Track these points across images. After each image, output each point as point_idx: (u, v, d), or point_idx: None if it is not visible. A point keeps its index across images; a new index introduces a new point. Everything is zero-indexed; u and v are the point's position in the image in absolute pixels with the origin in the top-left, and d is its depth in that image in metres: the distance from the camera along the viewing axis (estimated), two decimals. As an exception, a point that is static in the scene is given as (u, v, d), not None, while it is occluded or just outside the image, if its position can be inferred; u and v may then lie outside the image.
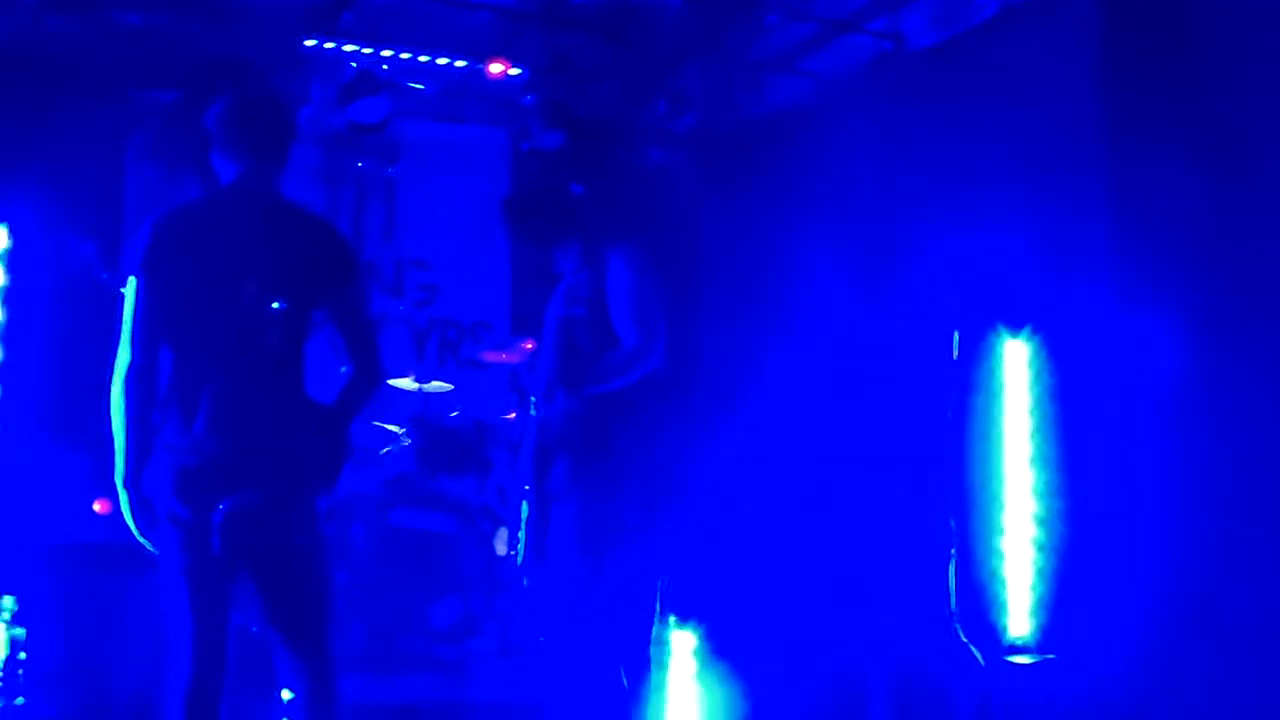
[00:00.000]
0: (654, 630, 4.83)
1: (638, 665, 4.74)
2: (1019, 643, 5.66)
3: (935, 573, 5.26)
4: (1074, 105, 5.72)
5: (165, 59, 7.56)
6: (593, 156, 5.94)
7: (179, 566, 4.00)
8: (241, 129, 4.21)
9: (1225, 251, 5.16)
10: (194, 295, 4.05)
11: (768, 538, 6.34)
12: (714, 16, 7.59)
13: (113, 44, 7.35)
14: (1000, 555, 5.77)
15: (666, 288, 4.80)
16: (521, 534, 4.75)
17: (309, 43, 7.90)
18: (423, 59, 8.24)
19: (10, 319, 6.07)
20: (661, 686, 5.29)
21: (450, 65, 8.29)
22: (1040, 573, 5.64)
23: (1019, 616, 5.70)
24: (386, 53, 8.15)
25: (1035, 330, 5.75)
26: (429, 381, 8.04)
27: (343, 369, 4.25)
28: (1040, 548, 5.67)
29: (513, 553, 4.81)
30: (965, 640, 5.46)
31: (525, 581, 4.76)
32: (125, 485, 3.98)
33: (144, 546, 4.06)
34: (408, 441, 7.62)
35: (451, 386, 8.14)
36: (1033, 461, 5.73)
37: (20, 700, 5.71)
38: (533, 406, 4.80)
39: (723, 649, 5.63)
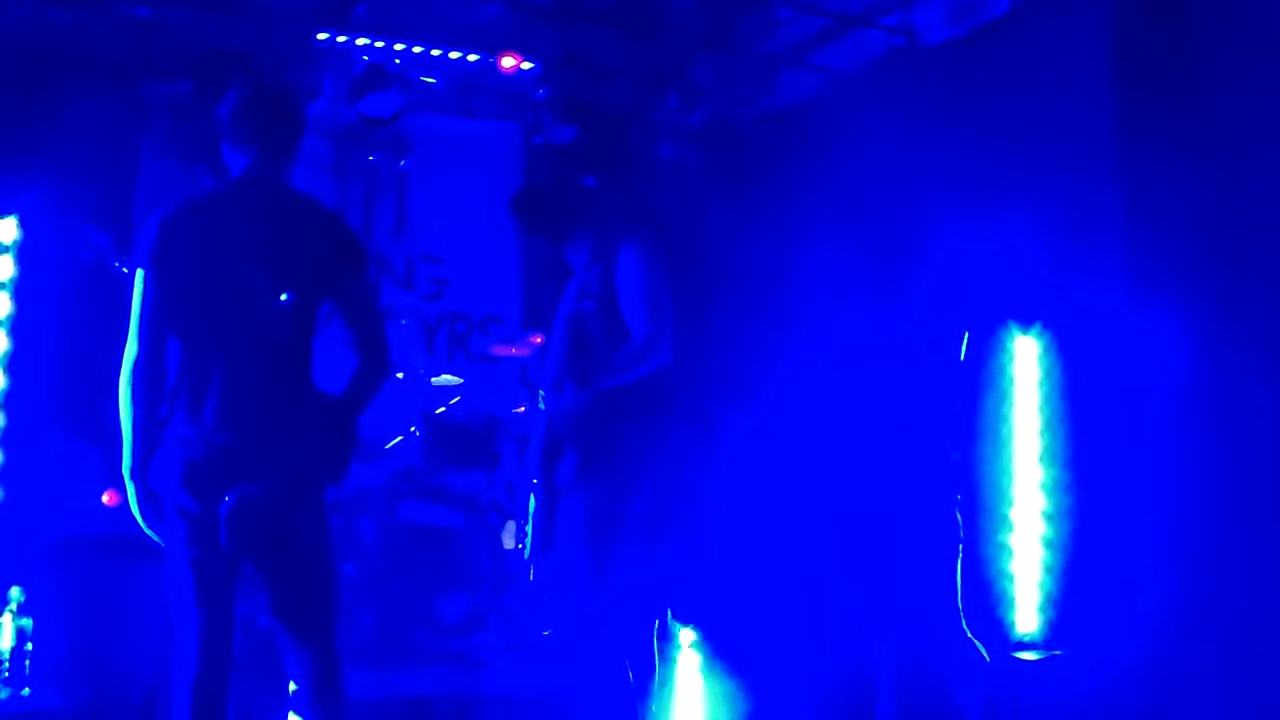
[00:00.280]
0: (661, 624, 4.83)
1: (644, 659, 4.73)
2: (1027, 639, 5.65)
3: (943, 569, 5.25)
4: (1086, 102, 5.71)
5: (176, 51, 7.56)
6: (605, 150, 5.94)
7: (185, 558, 4.00)
8: (251, 121, 4.21)
9: (1236, 248, 5.15)
10: (202, 287, 4.05)
11: (776, 533, 6.33)
12: (726, 11, 7.59)
13: (124, 36, 7.35)
14: (1009, 551, 5.77)
15: (676, 282, 4.79)
16: (529, 528, 4.75)
17: (321, 36, 7.91)
18: (434, 53, 8.24)
19: (19, 311, 6.08)
20: (668, 680, 5.29)
21: (462, 59, 8.29)
22: (1048, 569, 5.63)
23: (1027, 613, 5.69)
24: (398, 46, 8.15)
25: (1045, 326, 5.74)
26: (438, 375, 8.03)
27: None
28: (1049, 544, 5.66)
29: (521, 546, 4.81)
30: (972, 636, 5.45)
31: (532, 575, 4.76)
32: (132, 477, 3.98)
33: (151, 538, 4.06)
34: (416, 433, 7.61)
35: (461, 380, 8.13)
36: (1042, 458, 5.72)
37: (27, 691, 5.72)
38: (541, 400, 4.80)
39: (730, 644, 5.62)
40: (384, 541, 7.14)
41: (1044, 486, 5.76)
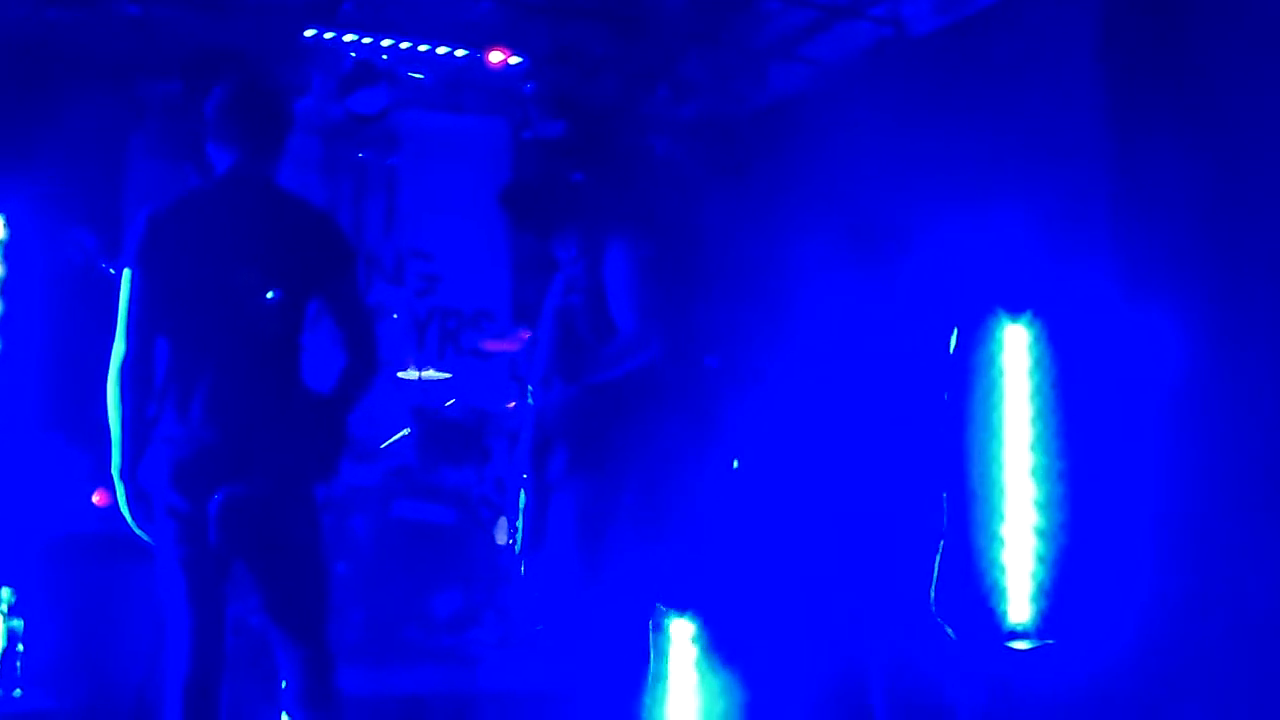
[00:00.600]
0: (654, 618, 4.82)
1: (638, 653, 4.73)
2: (1019, 629, 5.65)
3: (935, 560, 5.25)
4: (1075, 90, 5.71)
5: (165, 49, 7.55)
6: (593, 145, 5.92)
7: (176, 558, 3.99)
8: (236, 119, 4.20)
9: (1226, 236, 5.15)
10: (189, 286, 4.04)
11: (767, 526, 6.33)
12: (715, 4, 7.58)
13: (112, 34, 7.34)
14: (1000, 541, 5.77)
15: (665, 276, 4.78)
16: (520, 523, 4.74)
17: (308, 33, 7.89)
18: (422, 48, 8.23)
19: (8, 311, 6.07)
20: (662, 675, 5.29)
21: (450, 54, 8.28)
22: (1040, 559, 5.63)
23: (1019, 602, 5.69)
24: (386, 42, 8.14)
25: (1036, 315, 5.74)
26: (426, 370, 8.03)
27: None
28: (1041, 534, 5.66)
29: (512, 542, 4.81)
30: (950, 629, 5.45)
31: (523, 570, 4.75)
32: (122, 477, 3.98)
33: (141, 538, 4.06)
34: (407, 432, 7.61)
35: (449, 375, 8.13)
36: (1033, 446, 5.72)
37: (18, 692, 5.71)
38: (530, 395, 4.79)
39: (722, 639, 5.62)
40: (376, 538, 7.15)
41: (1035, 475, 5.76)
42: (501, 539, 7.23)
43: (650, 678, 4.81)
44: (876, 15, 6.99)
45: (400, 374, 7.94)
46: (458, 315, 9.04)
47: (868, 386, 5.81)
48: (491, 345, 8.25)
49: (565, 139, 7.34)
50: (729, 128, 7.86)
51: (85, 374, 4.41)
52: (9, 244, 6.13)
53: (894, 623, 5.46)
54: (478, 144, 9.05)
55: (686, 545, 4.92)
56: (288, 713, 4.09)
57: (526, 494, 4.72)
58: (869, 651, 5.45)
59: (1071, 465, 5.56)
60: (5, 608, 5.74)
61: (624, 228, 4.79)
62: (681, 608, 5.35)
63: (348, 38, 8.02)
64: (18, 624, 5.75)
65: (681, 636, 5.50)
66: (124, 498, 3.99)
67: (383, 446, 7.65)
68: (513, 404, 7.77)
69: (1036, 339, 5.72)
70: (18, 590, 5.79)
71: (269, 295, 4.06)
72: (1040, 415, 5.65)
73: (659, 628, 5.12)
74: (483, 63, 8.25)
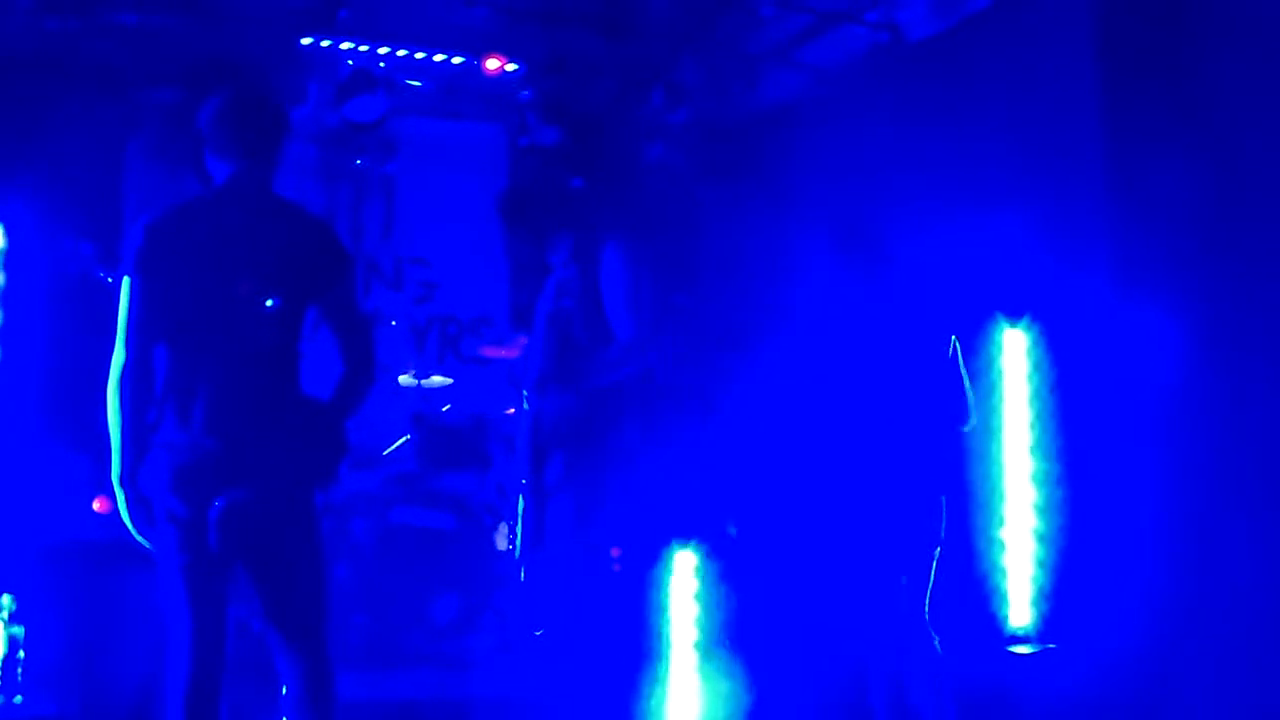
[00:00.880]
0: (654, 622, 4.83)
1: (637, 657, 4.74)
2: (1020, 633, 5.67)
3: (933, 563, 5.25)
4: (1071, 94, 5.72)
5: (163, 59, 7.56)
6: (589, 151, 5.94)
7: (177, 564, 4.00)
8: (233, 128, 4.20)
9: (1223, 238, 5.16)
10: (188, 294, 4.05)
11: (766, 529, 6.33)
12: (709, 10, 7.59)
13: (110, 44, 7.35)
14: (1001, 545, 5.78)
15: (661, 281, 4.80)
16: (519, 528, 4.75)
17: (306, 41, 7.91)
18: (419, 56, 8.26)
19: (8, 319, 6.07)
20: (663, 677, 5.30)
21: (447, 62, 8.30)
22: (1040, 563, 5.64)
23: (1020, 607, 5.70)
24: (383, 50, 8.16)
25: (1034, 319, 5.75)
26: (428, 377, 8.04)
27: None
28: (1040, 537, 5.67)
29: (511, 547, 4.82)
30: (960, 632, 5.45)
31: (522, 575, 4.76)
32: (121, 483, 3.98)
33: (142, 544, 4.06)
34: (407, 439, 7.62)
35: (450, 380, 8.14)
36: (1033, 450, 5.73)
37: (19, 698, 5.71)
38: (525, 400, 4.80)
39: (725, 637, 5.63)
40: (376, 544, 7.15)
41: (1035, 479, 5.77)
42: (502, 544, 7.23)
43: (650, 680, 4.82)
44: (872, 20, 7.00)
45: (401, 380, 7.95)
46: (456, 322, 9.05)
47: (867, 391, 5.80)
48: (491, 352, 8.27)
49: (561, 145, 7.36)
50: (725, 133, 7.87)
51: (85, 381, 4.41)
52: (9, 253, 6.13)
53: (895, 626, 5.45)
54: (475, 151, 9.06)
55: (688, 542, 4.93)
56: (288, 717, 4.10)
57: (525, 499, 4.73)
58: (869, 655, 5.45)
59: (1070, 469, 5.57)
60: (6, 614, 5.74)
61: (620, 232, 4.80)
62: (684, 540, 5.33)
63: (345, 46, 8.04)
64: (19, 630, 5.75)
65: (684, 567, 5.52)
66: (124, 504, 4.00)
67: (385, 453, 7.66)
68: (512, 410, 7.78)
69: (1035, 343, 5.73)
70: (19, 597, 5.79)
71: (268, 303, 4.06)
72: (1039, 419, 5.66)
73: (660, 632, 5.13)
74: (479, 70, 8.27)
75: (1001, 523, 5.87)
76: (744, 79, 7.84)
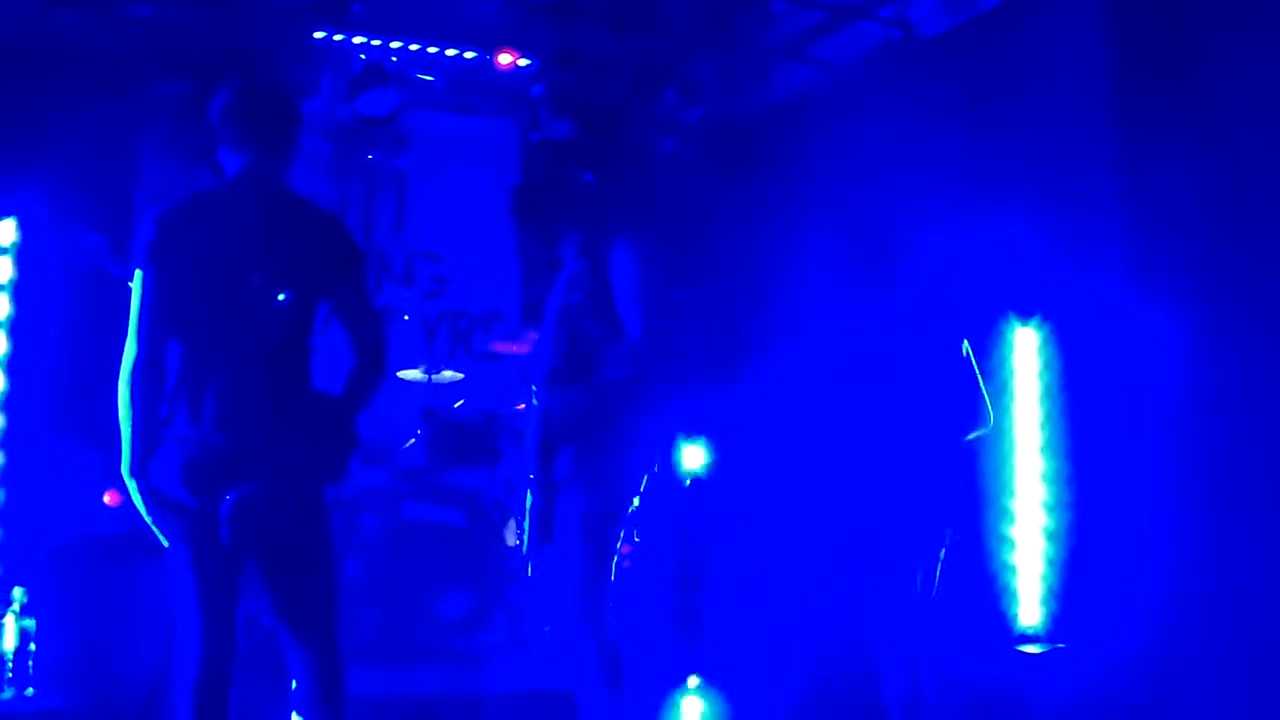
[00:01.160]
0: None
1: (643, 653, 4.74)
2: (1029, 632, 5.65)
3: (944, 563, 5.25)
4: (1083, 92, 5.71)
5: (175, 51, 7.56)
6: (601, 146, 5.93)
7: (187, 558, 4.00)
8: (245, 121, 4.20)
9: (1233, 239, 5.15)
10: (199, 288, 4.05)
11: (778, 528, 6.34)
12: (722, 5, 7.58)
13: (123, 36, 7.36)
14: (1010, 543, 5.77)
15: (672, 277, 4.79)
16: (527, 524, 4.75)
17: (318, 35, 7.91)
18: (431, 50, 8.25)
19: (19, 313, 6.08)
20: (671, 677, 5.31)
21: (459, 56, 8.30)
22: (1050, 562, 5.63)
23: (1029, 606, 5.69)
24: (395, 44, 8.15)
25: (1045, 318, 5.74)
26: (439, 372, 8.04)
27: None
28: (1050, 536, 5.66)
29: (520, 543, 4.81)
30: (974, 630, 5.45)
31: (530, 571, 4.76)
32: (132, 474, 3.98)
33: (152, 539, 4.06)
34: (420, 434, 7.63)
35: (462, 376, 8.14)
36: (1043, 449, 5.72)
37: (30, 691, 5.73)
38: (534, 396, 4.79)
39: (734, 637, 5.63)
40: (386, 539, 7.15)
41: (1045, 477, 5.76)
42: (511, 540, 7.23)
43: (656, 678, 4.82)
44: (885, 17, 6.99)
45: (410, 374, 7.95)
46: (467, 317, 9.05)
47: (877, 391, 5.81)
48: (502, 347, 8.27)
49: (573, 140, 7.35)
50: (737, 128, 7.87)
51: (96, 375, 4.42)
52: (20, 246, 6.14)
53: (906, 626, 5.46)
54: (487, 146, 9.06)
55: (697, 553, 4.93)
56: (297, 713, 4.10)
57: (533, 494, 4.73)
58: (882, 652, 5.45)
59: (1080, 468, 5.56)
60: (17, 607, 5.76)
61: (631, 228, 4.79)
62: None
63: (357, 40, 8.03)
64: (29, 623, 5.77)
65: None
66: (136, 494, 4.00)
67: (406, 447, 7.67)
68: (522, 405, 7.79)
69: (1045, 342, 5.72)
70: (29, 590, 5.80)
71: (279, 297, 4.06)
72: (1050, 418, 5.65)
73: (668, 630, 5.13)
74: (491, 65, 8.26)
75: (1011, 521, 5.86)
76: (756, 75, 7.83)
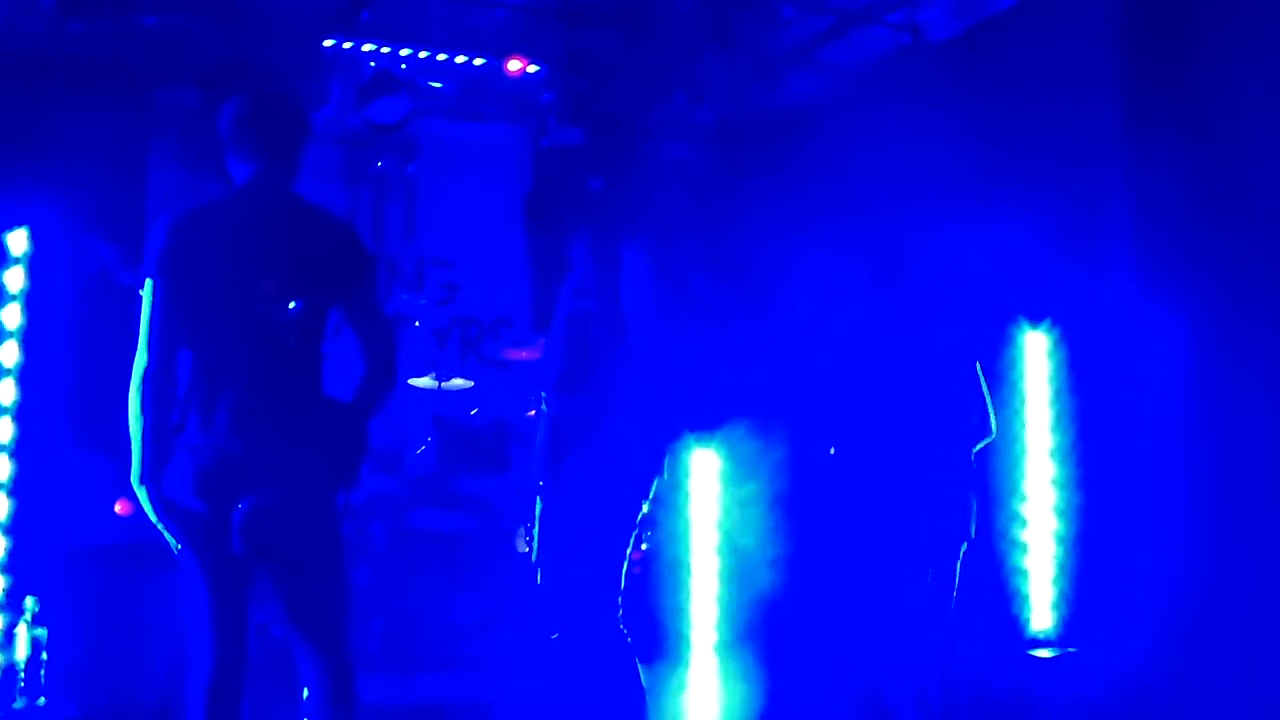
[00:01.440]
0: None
1: (656, 661, 4.73)
2: (1041, 636, 5.65)
3: (955, 566, 5.24)
4: (1092, 95, 5.71)
5: (185, 61, 7.58)
6: (611, 151, 5.93)
7: (199, 565, 4.00)
8: (253, 130, 4.20)
9: (1241, 242, 5.14)
10: (210, 295, 4.05)
11: (789, 533, 6.33)
12: (731, 10, 7.59)
13: (133, 46, 7.38)
14: (1023, 548, 5.76)
15: (683, 282, 4.79)
16: (537, 530, 4.74)
17: (328, 43, 7.92)
18: (441, 57, 8.26)
19: (31, 322, 6.08)
20: (681, 676, 5.31)
21: (468, 63, 8.31)
22: (1062, 566, 5.62)
23: (1041, 610, 5.68)
24: (405, 52, 8.17)
25: (1055, 322, 5.73)
26: (449, 379, 8.04)
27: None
28: (1061, 540, 5.65)
29: (530, 550, 4.80)
30: (985, 634, 5.44)
31: (539, 578, 4.75)
32: (142, 484, 3.98)
33: (164, 547, 4.06)
34: (428, 441, 7.63)
35: (472, 383, 8.14)
36: (1054, 453, 5.72)
37: (43, 700, 5.73)
38: (543, 402, 4.78)
39: (743, 640, 5.63)
40: (396, 547, 7.15)
41: (1056, 482, 5.75)
42: (521, 547, 7.24)
43: (665, 681, 4.81)
44: (893, 22, 7.00)
45: (421, 382, 7.95)
46: (478, 323, 9.05)
47: (888, 395, 5.80)
48: (513, 354, 8.27)
49: (583, 146, 7.35)
50: (746, 133, 7.87)
51: (108, 384, 4.41)
52: (32, 256, 6.14)
53: (918, 624, 5.44)
54: (497, 152, 9.07)
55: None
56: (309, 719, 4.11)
57: (542, 501, 4.72)
58: (891, 658, 5.44)
59: (1091, 472, 5.55)
60: (30, 616, 5.76)
61: (640, 233, 4.79)
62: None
63: (367, 47, 8.05)
64: (42, 632, 5.77)
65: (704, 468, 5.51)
66: (147, 502, 4.00)
67: (419, 452, 7.67)
68: (532, 412, 7.79)
69: (1056, 346, 5.72)
70: (42, 599, 5.81)
71: (290, 304, 4.06)
72: (1060, 422, 5.65)
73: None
74: (501, 71, 8.27)
75: (1023, 525, 5.86)
76: (765, 80, 7.83)
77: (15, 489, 5.97)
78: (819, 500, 6.16)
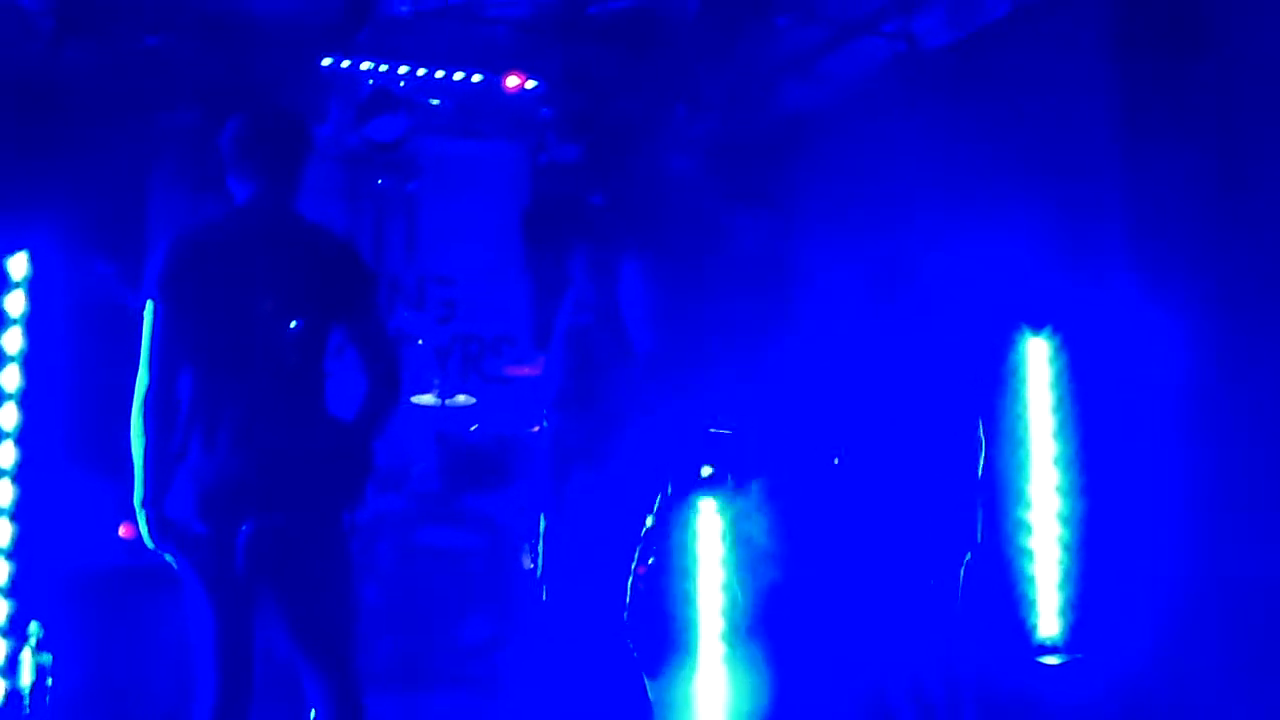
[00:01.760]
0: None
1: (660, 676, 4.72)
2: (1048, 643, 5.64)
3: (961, 572, 5.24)
4: (1088, 101, 5.71)
5: (184, 81, 7.59)
6: (610, 166, 5.91)
7: (203, 588, 3.99)
8: (252, 149, 4.20)
9: (1240, 248, 5.14)
10: (212, 316, 4.05)
11: (792, 540, 6.32)
12: (729, 22, 7.59)
13: (131, 68, 7.39)
14: (1029, 555, 5.75)
15: (684, 296, 4.78)
16: (540, 547, 4.74)
17: (326, 62, 7.93)
18: (439, 75, 8.27)
19: (32, 346, 6.08)
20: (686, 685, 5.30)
21: (467, 80, 8.32)
22: (1067, 572, 5.61)
23: (1048, 616, 5.67)
24: (403, 69, 8.18)
25: (1056, 329, 5.73)
26: (452, 396, 8.04)
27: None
28: (1067, 547, 5.64)
29: (535, 566, 4.80)
30: (992, 641, 5.43)
31: (544, 595, 4.74)
32: (144, 505, 3.97)
33: (168, 571, 4.05)
34: (432, 459, 7.63)
35: (474, 400, 8.14)
36: (1057, 460, 5.71)
37: (48, 726, 5.73)
38: (544, 418, 4.78)
39: (749, 644, 5.62)
40: (402, 565, 7.15)
41: (1060, 489, 5.75)
42: (527, 564, 7.23)
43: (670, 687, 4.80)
44: (889, 31, 7.00)
45: (424, 399, 7.95)
46: (479, 340, 9.05)
47: (889, 405, 5.80)
48: (515, 371, 8.26)
49: (582, 161, 7.35)
50: (746, 144, 7.86)
51: (110, 407, 4.41)
52: (32, 279, 6.14)
53: (920, 629, 5.44)
54: (496, 169, 9.07)
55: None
56: (315, 741, 4.10)
57: (545, 518, 4.72)
58: (894, 663, 5.43)
59: (1094, 478, 5.55)
60: (33, 642, 5.76)
61: (640, 247, 4.78)
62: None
63: (365, 66, 8.06)
64: (46, 658, 5.76)
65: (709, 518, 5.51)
66: (146, 526, 3.99)
67: (420, 470, 7.67)
68: (536, 428, 7.77)
69: (1057, 352, 5.71)
70: (45, 624, 5.80)
71: (292, 324, 4.06)
72: (1063, 429, 5.64)
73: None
74: (499, 87, 8.28)
75: (1028, 533, 5.85)
76: (765, 90, 7.84)
77: (18, 513, 5.96)
78: (824, 510, 6.15)
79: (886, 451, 5.72)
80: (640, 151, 7.88)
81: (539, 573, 4.76)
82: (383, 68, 8.11)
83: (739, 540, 5.82)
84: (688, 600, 5.95)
